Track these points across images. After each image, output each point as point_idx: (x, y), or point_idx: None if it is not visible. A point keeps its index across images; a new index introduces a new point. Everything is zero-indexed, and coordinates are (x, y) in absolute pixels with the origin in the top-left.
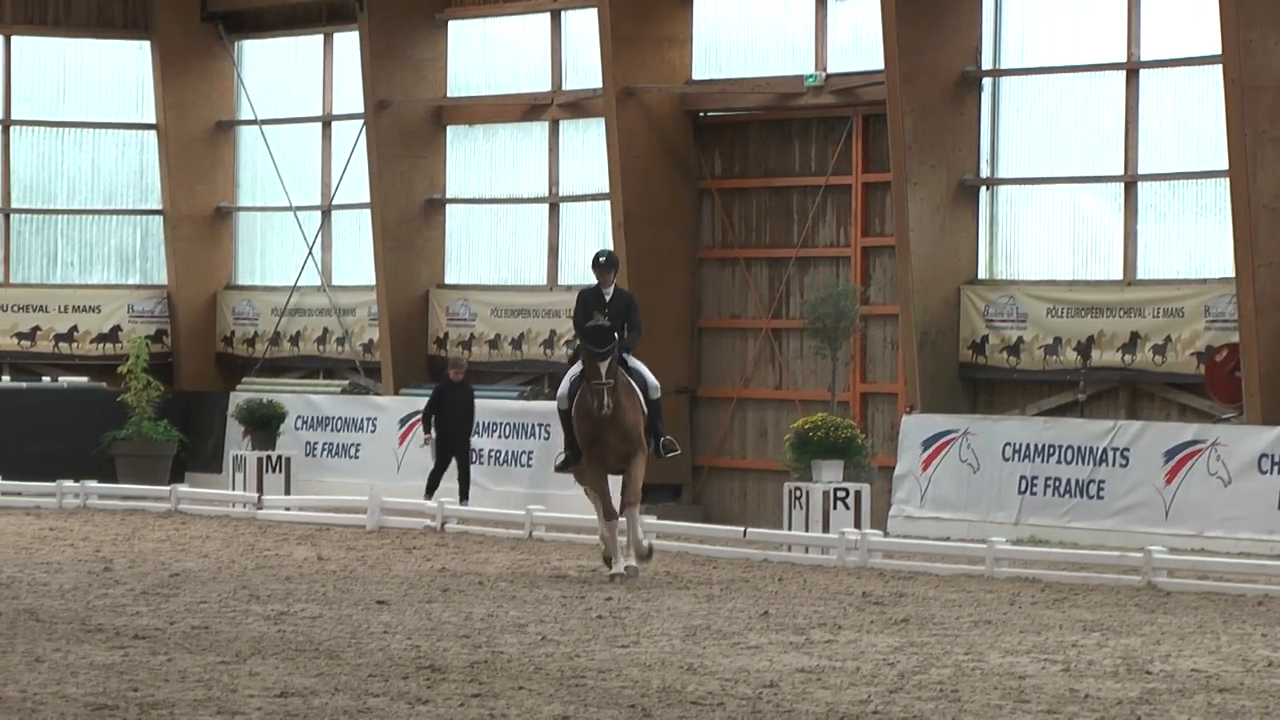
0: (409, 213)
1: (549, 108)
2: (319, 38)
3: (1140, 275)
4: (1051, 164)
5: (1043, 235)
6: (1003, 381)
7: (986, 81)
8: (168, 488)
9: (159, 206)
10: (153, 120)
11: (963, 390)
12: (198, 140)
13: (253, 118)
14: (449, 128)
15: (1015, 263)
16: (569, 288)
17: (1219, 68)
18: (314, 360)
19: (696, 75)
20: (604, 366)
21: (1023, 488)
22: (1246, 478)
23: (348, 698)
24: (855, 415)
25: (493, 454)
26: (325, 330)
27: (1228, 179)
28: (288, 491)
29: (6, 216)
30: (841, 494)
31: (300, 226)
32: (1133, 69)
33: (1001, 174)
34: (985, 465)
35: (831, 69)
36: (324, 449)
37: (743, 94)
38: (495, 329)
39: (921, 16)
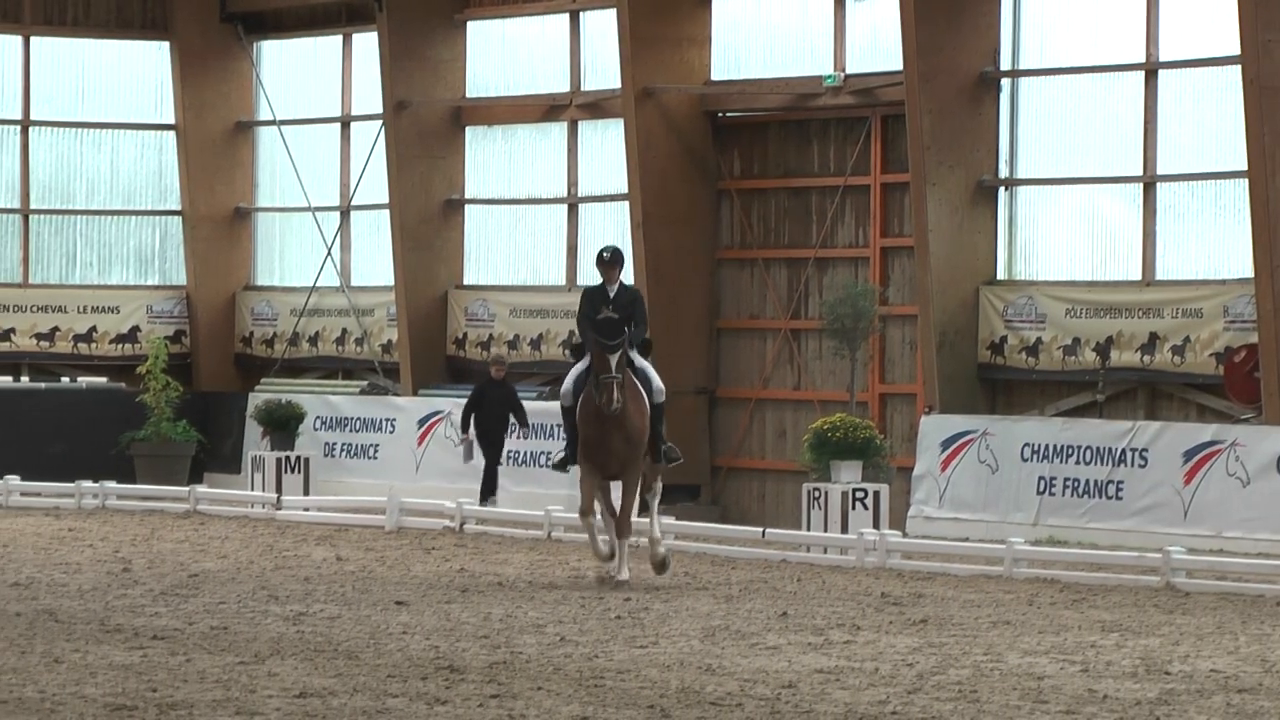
0: (428, 213)
1: (568, 108)
2: (338, 38)
3: (1159, 276)
4: (1070, 164)
5: (1061, 236)
6: (1021, 382)
7: (1005, 82)
8: (186, 488)
9: (178, 207)
10: (172, 121)
11: (981, 391)
12: (217, 141)
13: (272, 118)
14: (468, 128)
15: (1034, 263)
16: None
17: (1238, 68)
18: (333, 361)
19: (715, 76)
20: (614, 360)
21: (1041, 488)
22: (1265, 478)
23: (366, 698)
24: (874, 416)
25: (512, 454)
26: (344, 331)
27: (1246, 179)
28: (306, 492)
29: (26, 217)
30: (860, 494)
31: (319, 227)
32: (1151, 69)
33: (1020, 174)
34: (1004, 466)
35: (850, 69)
36: (343, 449)
37: (761, 94)
38: (514, 329)
39: (940, 17)
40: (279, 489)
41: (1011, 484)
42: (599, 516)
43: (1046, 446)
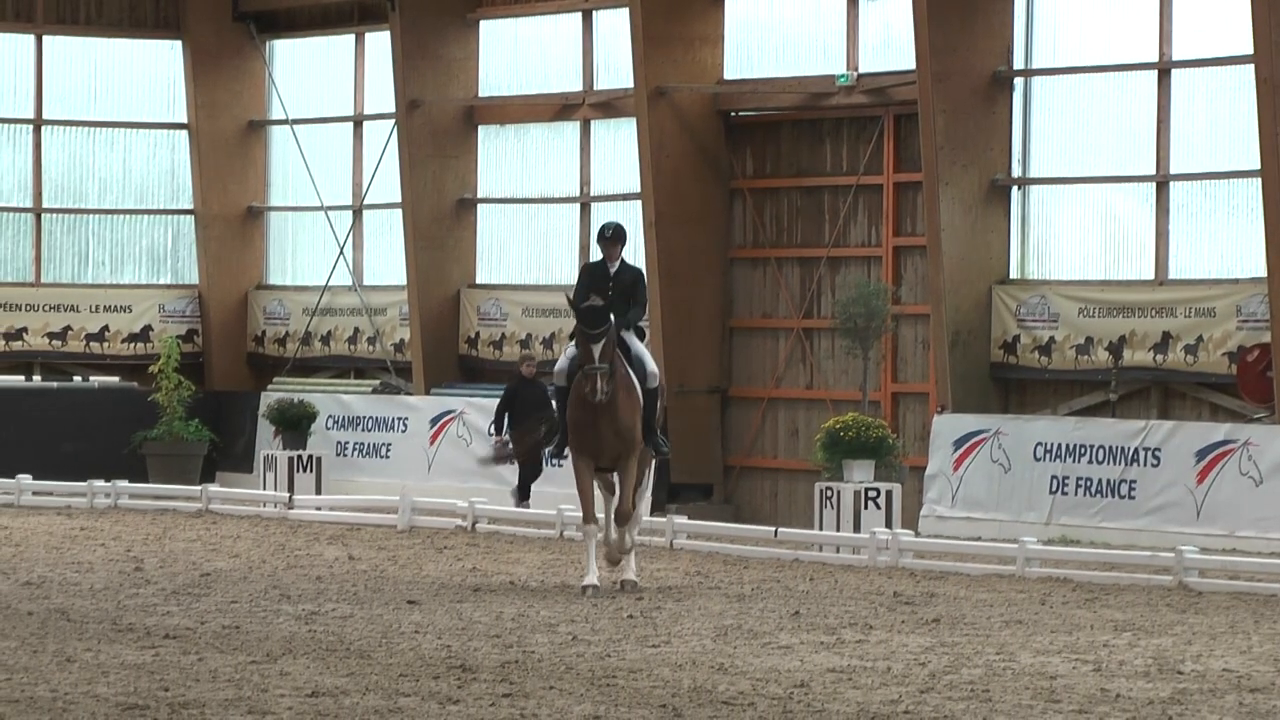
0: (440, 212)
1: (580, 107)
2: (350, 37)
3: (1172, 275)
4: (1083, 164)
5: (1074, 235)
6: (1034, 381)
7: (1018, 81)
8: (198, 487)
9: (190, 206)
10: (184, 120)
11: (994, 390)
12: (229, 140)
13: (284, 117)
14: (480, 127)
15: (1047, 262)
16: None
17: (1251, 67)
18: (345, 360)
19: (728, 75)
20: (597, 349)
21: (1054, 488)
22: (1278, 478)
23: (379, 697)
24: (886, 415)
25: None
26: (356, 330)
27: (1259, 179)
28: (318, 491)
29: (38, 216)
30: (873, 494)
31: (331, 226)
32: (1164, 68)
33: (1033, 174)
34: (1016, 465)
35: (863, 69)
36: (355, 449)
37: (774, 94)
38: (526, 329)
39: (953, 16)
40: (291, 488)
41: (1024, 483)
42: (600, 519)
43: (1059, 446)
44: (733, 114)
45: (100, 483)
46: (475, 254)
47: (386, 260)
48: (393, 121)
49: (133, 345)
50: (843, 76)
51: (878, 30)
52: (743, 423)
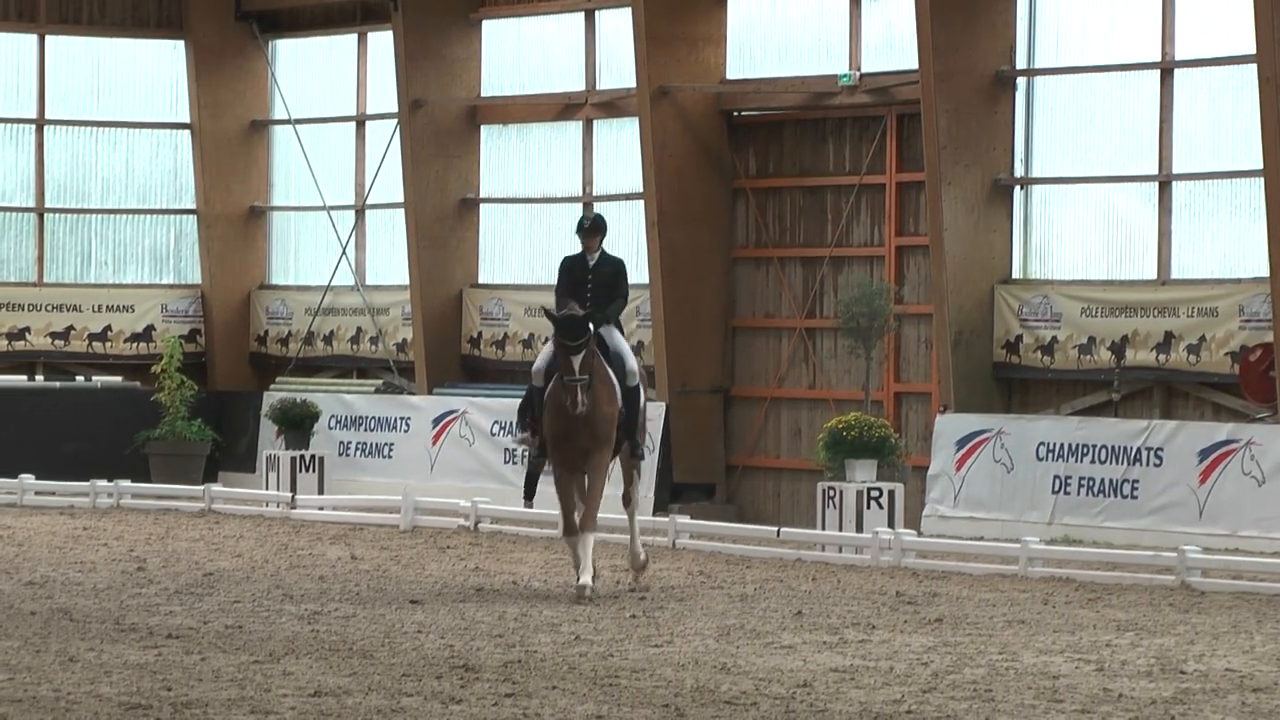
0: (443, 212)
1: (583, 107)
2: (353, 37)
3: (1174, 275)
4: (1086, 163)
5: (1077, 235)
6: (1037, 381)
7: (1021, 81)
8: (201, 487)
9: (193, 206)
10: (187, 120)
11: (997, 390)
12: (232, 140)
13: (287, 117)
14: (483, 127)
15: (1049, 262)
16: None
17: (1254, 67)
18: (347, 360)
19: (730, 75)
20: (577, 361)
21: (1056, 487)
22: None
23: (381, 697)
24: (889, 415)
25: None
26: (359, 330)
27: (1262, 178)
28: (321, 491)
29: (41, 216)
30: (875, 494)
31: (334, 226)
32: (1167, 68)
33: (1036, 173)
34: (1019, 465)
35: (866, 68)
36: (357, 449)
37: (777, 93)
38: (529, 328)
39: (956, 15)
40: (294, 488)
41: (1027, 483)
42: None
43: (1062, 445)
44: (735, 113)
45: (103, 482)
46: (478, 254)
47: (389, 260)
48: (395, 121)
49: (135, 345)
50: (845, 76)
51: (880, 30)
52: (745, 422)
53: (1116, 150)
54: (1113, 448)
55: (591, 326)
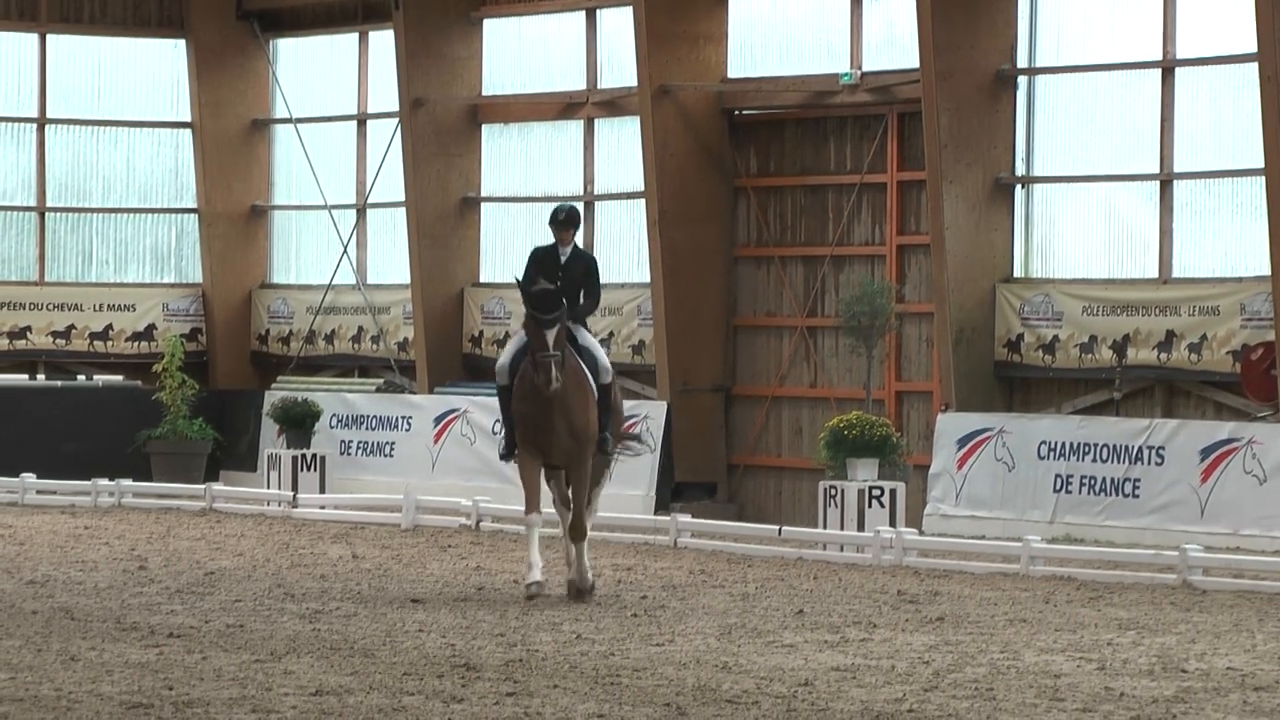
0: (444, 211)
1: (584, 106)
2: (354, 36)
3: (1176, 274)
4: (1087, 162)
5: (1078, 233)
6: (1038, 380)
7: (1022, 79)
8: (202, 486)
9: (194, 205)
10: (188, 119)
11: (998, 388)
12: (233, 139)
13: (288, 116)
14: (484, 126)
15: (1051, 261)
16: (604, 286)
17: (1255, 65)
18: (349, 359)
19: (732, 73)
20: (551, 336)
21: (1058, 486)
22: None
23: (382, 696)
24: (890, 413)
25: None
26: (360, 329)
27: (1264, 177)
28: (322, 490)
29: (42, 215)
30: (876, 492)
31: (335, 225)
32: (1168, 67)
33: (1037, 172)
34: (1020, 464)
35: (867, 67)
36: (359, 447)
37: (778, 92)
38: None
39: (957, 14)
40: (295, 487)
41: (1028, 482)
42: (547, 511)
43: (1063, 444)
44: (737, 112)
45: (104, 481)
46: (479, 253)
47: (390, 259)
48: (396, 120)
49: (137, 344)
50: (846, 75)
51: (881, 29)
52: (747, 421)
53: (1118, 149)
54: (1114, 446)
55: (565, 302)
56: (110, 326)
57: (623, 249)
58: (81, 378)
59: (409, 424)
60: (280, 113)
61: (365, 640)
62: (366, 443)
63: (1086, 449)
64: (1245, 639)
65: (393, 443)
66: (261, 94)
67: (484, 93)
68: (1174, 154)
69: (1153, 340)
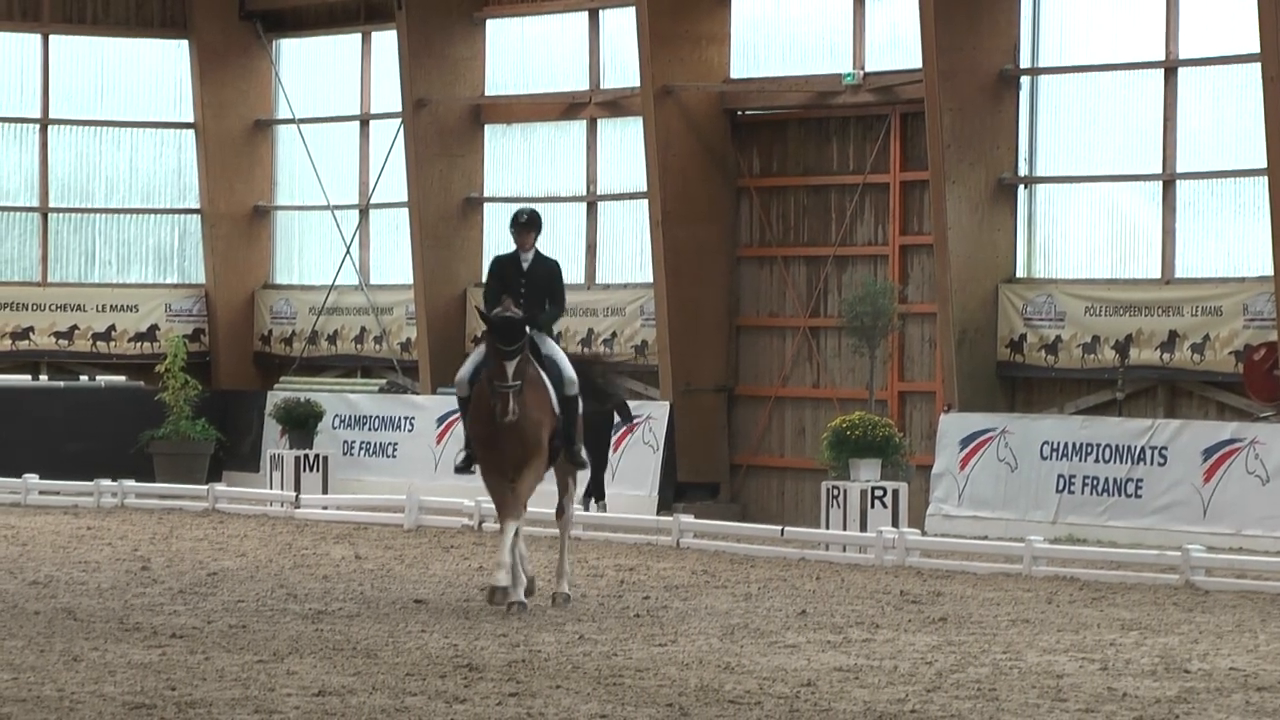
0: (447, 211)
1: (587, 106)
2: (357, 36)
3: (1178, 274)
4: (1090, 162)
5: (1081, 233)
6: (1041, 380)
7: (1025, 80)
8: (205, 487)
9: (197, 206)
10: (191, 119)
11: (1000, 389)
12: (236, 139)
13: (291, 117)
14: (487, 126)
15: (1053, 261)
16: (607, 286)
17: (1257, 65)
18: (351, 359)
19: (734, 74)
20: (511, 367)
21: (1060, 486)
22: None
23: (385, 696)
24: (893, 414)
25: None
26: (363, 329)
27: (1266, 177)
28: (325, 490)
29: (45, 215)
30: (879, 493)
31: (338, 225)
32: (1171, 67)
33: (1040, 172)
34: (1023, 464)
35: (869, 67)
36: (361, 448)
37: (781, 92)
38: None
39: (960, 14)
40: (298, 487)
41: (1031, 482)
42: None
43: (1066, 444)
44: (739, 113)
45: (107, 482)
46: (482, 253)
47: (393, 259)
48: (399, 120)
49: (139, 344)
50: (849, 75)
51: (884, 29)
52: (749, 421)
53: (1120, 149)
54: (1117, 447)
55: (528, 331)
56: (113, 327)
57: (625, 249)
58: (84, 378)
59: (412, 424)
60: (283, 113)
61: (368, 641)
62: (369, 443)
63: (1089, 449)
64: (1248, 639)
65: (395, 443)
66: (264, 94)
67: (487, 93)
68: (1176, 154)
69: (1155, 340)
